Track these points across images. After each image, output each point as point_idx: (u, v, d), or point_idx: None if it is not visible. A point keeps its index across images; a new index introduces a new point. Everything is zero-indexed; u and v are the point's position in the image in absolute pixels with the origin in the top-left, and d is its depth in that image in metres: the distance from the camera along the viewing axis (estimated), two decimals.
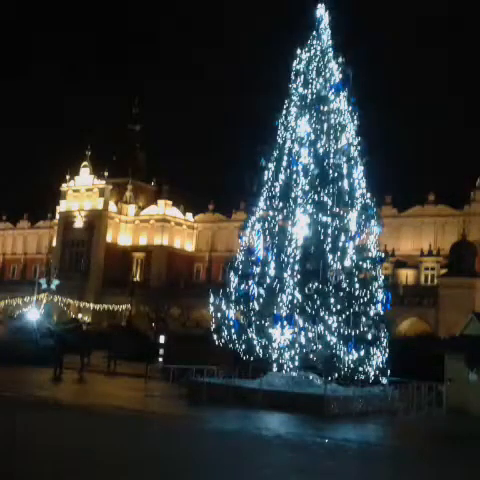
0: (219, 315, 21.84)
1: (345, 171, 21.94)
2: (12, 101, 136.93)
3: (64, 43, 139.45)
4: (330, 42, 23.28)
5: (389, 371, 20.82)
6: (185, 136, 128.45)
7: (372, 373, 20.56)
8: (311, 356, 20.65)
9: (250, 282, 21.73)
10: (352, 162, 22.11)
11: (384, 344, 20.87)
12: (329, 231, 21.19)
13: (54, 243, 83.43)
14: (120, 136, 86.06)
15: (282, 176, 22.17)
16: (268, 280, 21.30)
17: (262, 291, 21.34)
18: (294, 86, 22.93)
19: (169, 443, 13.04)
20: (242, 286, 21.84)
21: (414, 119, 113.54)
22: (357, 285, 20.91)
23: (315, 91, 22.70)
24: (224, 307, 21.72)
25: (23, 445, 11.77)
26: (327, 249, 21.02)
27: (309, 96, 22.66)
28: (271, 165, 22.41)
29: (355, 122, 22.43)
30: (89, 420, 15.63)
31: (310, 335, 20.33)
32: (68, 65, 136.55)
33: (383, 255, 22.92)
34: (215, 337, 21.74)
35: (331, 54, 23.10)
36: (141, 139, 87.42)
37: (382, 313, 21.33)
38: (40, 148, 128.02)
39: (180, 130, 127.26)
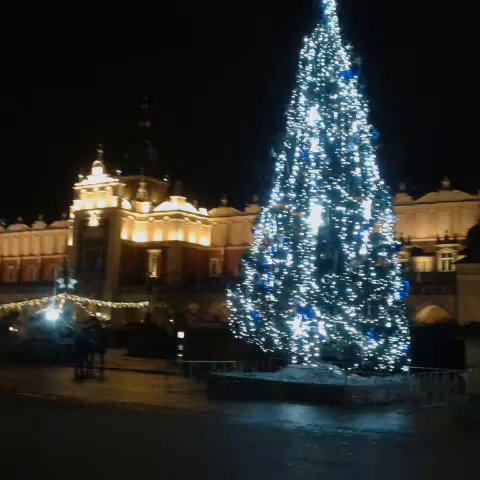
0: (237, 309, 21.83)
1: (357, 159, 21.78)
2: (26, 102, 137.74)
3: (72, 40, 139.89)
4: (338, 29, 23.07)
5: (410, 359, 20.68)
6: (196, 131, 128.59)
7: (392, 362, 20.44)
8: (330, 347, 20.58)
9: (266, 274, 21.68)
10: (364, 150, 21.94)
11: (404, 332, 20.72)
12: (343, 220, 21.05)
13: (70, 243, 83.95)
14: (131, 133, 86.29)
15: (294, 166, 22.06)
16: (285, 272, 21.23)
17: (279, 283, 21.28)
18: (302, 75, 22.78)
19: (190, 439, 13.05)
20: (259, 279, 21.80)
21: (427, 104, 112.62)
22: (374, 274, 20.75)
23: (324, 79, 22.52)
24: (242, 301, 21.70)
25: (52, 443, 11.88)
26: (342, 238, 20.90)
27: (318, 84, 22.50)
28: (282, 156, 22.30)
29: (365, 109, 22.24)
30: (111, 418, 15.72)
31: (329, 326, 20.25)
32: (76, 63, 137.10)
33: (399, 243, 22.72)
34: (234, 331, 21.72)
35: (339, 41, 22.91)
36: (152, 135, 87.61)
37: (400, 301, 21.18)
38: (55, 148, 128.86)
39: (191, 125, 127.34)
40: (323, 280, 20.38)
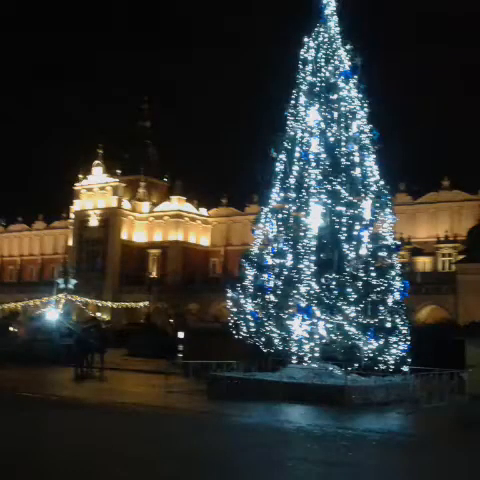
0: (237, 309, 21.83)
1: (357, 159, 21.78)
2: (26, 102, 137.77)
3: (72, 40, 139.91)
4: (338, 29, 23.07)
5: (410, 359, 20.68)
6: (196, 131, 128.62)
7: (392, 362, 20.43)
8: (330, 347, 20.58)
9: (266, 274, 21.67)
10: (364, 150, 21.94)
11: (404, 332, 20.71)
12: (343, 220, 21.04)
13: (70, 243, 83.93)
14: (131, 133, 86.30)
15: (294, 166, 22.06)
16: (285, 272, 21.23)
17: (279, 283, 21.28)
18: (302, 75, 22.78)
19: (190, 439, 13.05)
20: (259, 279, 21.80)
21: (427, 104, 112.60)
22: (374, 274, 20.75)
23: (324, 79, 22.52)
24: (242, 301, 21.69)
25: (52, 443, 11.89)
26: (342, 238, 20.89)
27: (318, 84, 22.50)
28: (282, 156, 22.30)
29: (365, 109, 22.23)
30: (111, 418, 15.72)
31: (329, 326, 20.25)
32: (80, 63, 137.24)
33: (399, 243, 22.72)
34: (234, 331, 21.71)
35: (339, 41, 22.90)
36: (152, 135, 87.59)
37: (400, 301, 21.17)
38: (55, 148, 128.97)
39: (191, 125, 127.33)
40: (323, 280, 20.37)
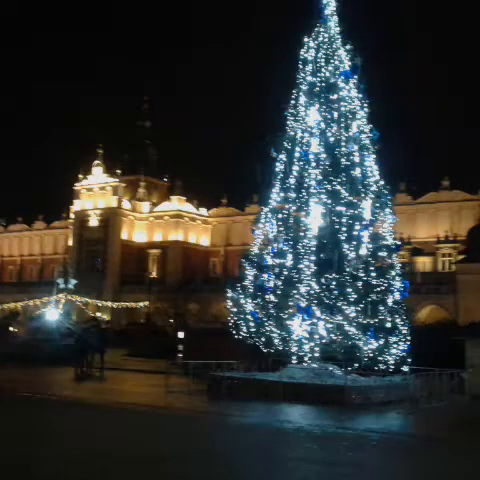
0: (237, 309, 21.82)
1: (357, 159, 21.77)
2: (26, 102, 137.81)
3: (72, 40, 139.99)
4: (338, 29, 23.07)
5: (410, 359, 20.68)
6: (196, 131, 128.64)
7: (392, 362, 20.43)
8: (331, 347, 20.58)
9: (266, 274, 21.67)
10: (364, 150, 21.94)
11: (404, 332, 20.71)
12: (343, 220, 21.04)
13: (70, 243, 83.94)
14: (131, 133, 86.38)
15: (294, 166, 22.06)
16: (285, 272, 21.23)
17: (279, 283, 21.28)
18: (302, 75, 22.78)
19: (190, 439, 13.05)
20: (259, 279, 21.79)
21: (427, 104, 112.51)
22: (374, 274, 20.74)
23: (324, 79, 22.52)
24: (242, 301, 21.69)
25: (52, 443, 11.89)
26: (342, 238, 20.89)
27: (318, 84, 22.50)
28: (283, 156, 22.30)
29: (365, 109, 22.23)
30: (111, 418, 15.71)
31: (329, 326, 20.25)
32: (83, 65, 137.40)
33: (399, 243, 22.71)
34: (234, 331, 21.71)
35: (339, 41, 22.90)
36: (152, 135, 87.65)
37: (400, 301, 21.17)
38: (55, 148, 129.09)
39: (191, 125, 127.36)
40: (323, 280, 20.37)
